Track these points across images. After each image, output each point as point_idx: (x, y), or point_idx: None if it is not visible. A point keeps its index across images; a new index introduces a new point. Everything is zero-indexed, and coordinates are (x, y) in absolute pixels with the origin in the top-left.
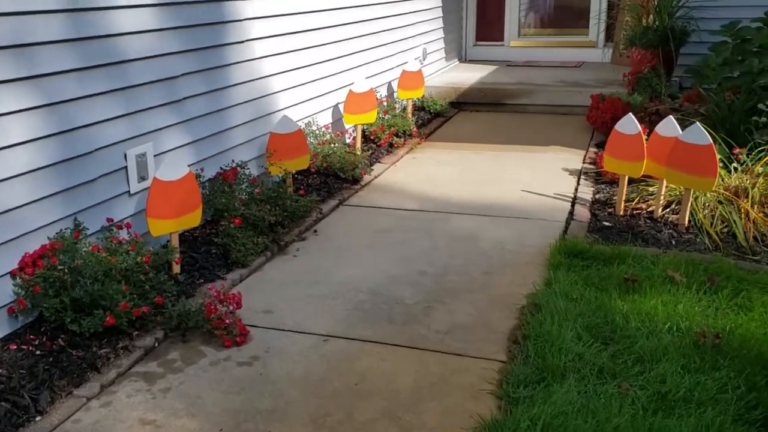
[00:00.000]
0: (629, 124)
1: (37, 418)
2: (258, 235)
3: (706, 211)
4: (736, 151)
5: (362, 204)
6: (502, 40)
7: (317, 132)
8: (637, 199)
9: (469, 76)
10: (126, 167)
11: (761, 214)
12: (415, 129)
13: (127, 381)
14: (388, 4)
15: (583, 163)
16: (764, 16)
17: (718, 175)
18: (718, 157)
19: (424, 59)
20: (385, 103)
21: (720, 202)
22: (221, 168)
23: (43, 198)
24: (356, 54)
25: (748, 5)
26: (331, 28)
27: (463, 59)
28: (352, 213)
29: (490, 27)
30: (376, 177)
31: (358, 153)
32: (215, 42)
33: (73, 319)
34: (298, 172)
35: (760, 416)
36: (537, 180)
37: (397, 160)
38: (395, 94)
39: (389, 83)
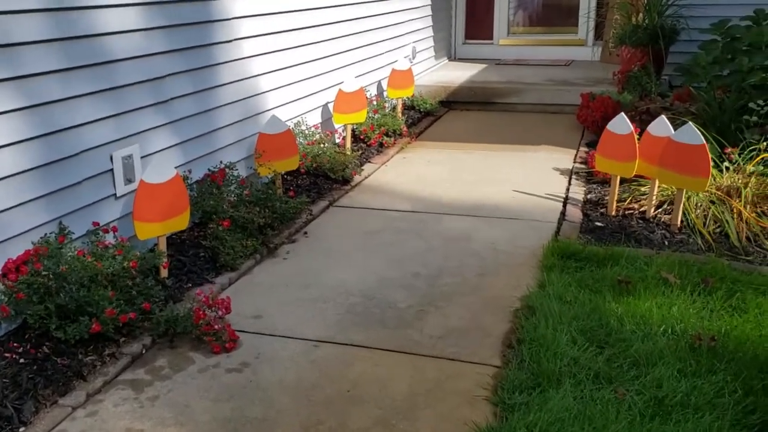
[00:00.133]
0: (621, 124)
1: (21, 429)
2: (247, 237)
3: (699, 211)
4: (728, 150)
5: (353, 205)
6: (491, 38)
7: (307, 132)
8: (629, 199)
9: (458, 74)
10: (112, 169)
11: (753, 214)
12: (405, 128)
13: (114, 389)
14: (378, 3)
15: (574, 162)
16: (753, 15)
17: (710, 175)
18: (710, 156)
19: (413, 58)
20: (374, 103)
21: (712, 202)
22: (209, 169)
23: (27, 202)
24: (346, 53)
25: (738, 3)
26: (321, 26)
27: (453, 58)
28: (342, 214)
29: (479, 25)
30: (366, 177)
31: (348, 153)
32: (203, 41)
33: (58, 326)
34: (288, 173)
35: (758, 420)
36: (528, 180)
37: (388, 160)
38: (385, 93)
39: (379, 82)
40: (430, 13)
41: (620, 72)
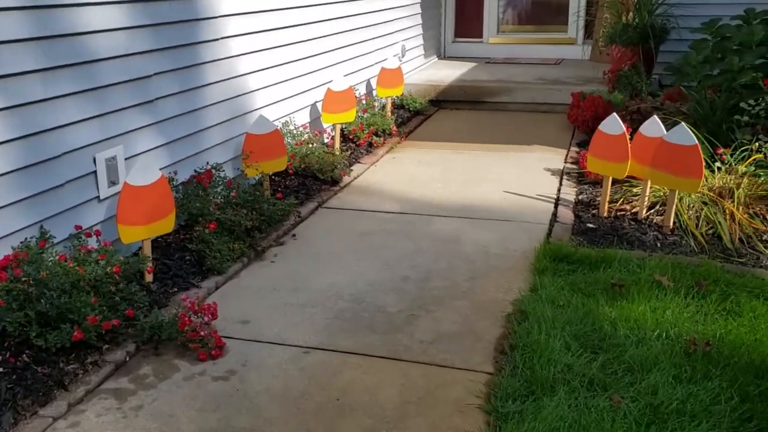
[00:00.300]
0: (613, 124)
1: None
2: (234, 240)
3: (691, 212)
4: (720, 150)
5: (342, 206)
6: (480, 36)
7: (295, 132)
8: (621, 200)
9: (448, 73)
10: (95, 171)
11: (746, 216)
12: (394, 128)
13: (97, 399)
14: (367, 1)
15: (565, 162)
16: (743, 14)
17: (703, 176)
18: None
19: (403, 56)
20: (364, 102)
21: (705, 203)
22: (195, 170)
23: (6, 205)
24: (334, 51)
25: (728, 3)
26: (309, 24)
27: (442, 56)
28: (331, 216)
29: (468, 23)
30: (355, 178)
31: (337, 153)
32: (189, 40)
33: (38, 333)
34: (276, 174)
35: (755, 428)
36: (519, 180)
37: (377, 160)
38: (374, 92)
39: (368, 81)
40: (420, 11)
41: (610, 71)
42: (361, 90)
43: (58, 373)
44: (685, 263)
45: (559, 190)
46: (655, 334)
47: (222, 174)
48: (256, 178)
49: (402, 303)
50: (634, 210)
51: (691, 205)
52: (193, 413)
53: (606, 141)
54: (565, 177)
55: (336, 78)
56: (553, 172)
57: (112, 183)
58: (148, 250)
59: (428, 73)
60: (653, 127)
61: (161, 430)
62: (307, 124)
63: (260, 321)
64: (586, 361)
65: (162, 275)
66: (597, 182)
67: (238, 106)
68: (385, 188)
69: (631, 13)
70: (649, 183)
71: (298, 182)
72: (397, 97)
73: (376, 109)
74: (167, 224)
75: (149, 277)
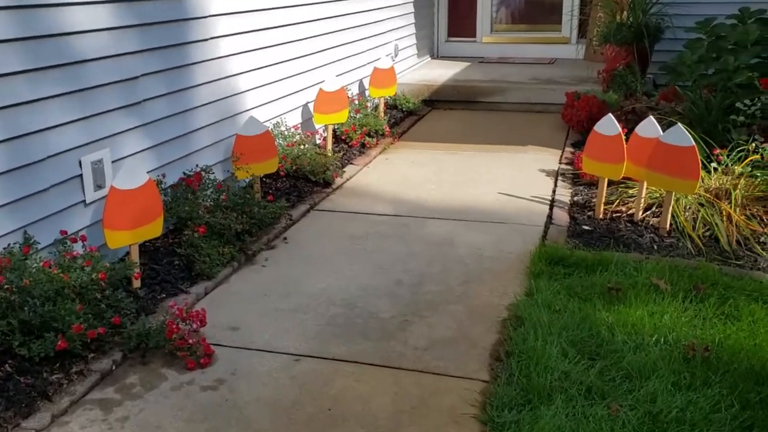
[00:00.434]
0: (609, 125)
1: None
2: (224, 244)
3: (688, 213)
4: (717, 151)
5: (334, 209)
6: (474, 36)
7: (286, 133)
8: (617, 201)
9: (441, 72)
10: (81, 175)
11: (743, 217)
12: (387, 128)
13: (81, 410)
14: (359, 0)
15: (560, 163)
16: (738, 13)
17: (700, 178)
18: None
19: (395, 56)
20: (356, 102)
21: (701, 205)
22: (184, 173)
23: None
24: (326, 51)
25: (722, 2)
26: (301, 24)
27: (435, 56)
28: (323, 218)
29: (462, 23)
30: (348, 179)
31: (329, 154)
32: (178, 40)
33: (21, 342)
34: (267, 176)
35: None
36: (513, 181)
37: (370, 161)
38: (367, 92)
39: (360, 81)
40: (413, 10)
41: (605, 71)
42: (354, 90)
43: (42, 383)
44: (682, 266)
45: (554, 191)
46: (653, 339)
47: (212, 176)
48: (247, 180)
49: (395, 308)
50: (630, 212)
51: (688, 207)
52: (181, 424)
53: (601, 142)
54: (560, 178)
55: (328, 78)
56: (548, 173)
57: (99, 187)
58: (135, 255)
59: (421, 72)
60: (649, 127)
61: None
62: (299, 125)
63: (250, 327)
64: (583, 368)
65: (150, 281)
66: (592, 183)
67: (228, 107)
68: (378, 190)
69: (625, 12)
70: (645, 184)
71: (290, 184)
72: (390, 97)
73: (369, 110)
74: (155, 229)
75: (137, 283)
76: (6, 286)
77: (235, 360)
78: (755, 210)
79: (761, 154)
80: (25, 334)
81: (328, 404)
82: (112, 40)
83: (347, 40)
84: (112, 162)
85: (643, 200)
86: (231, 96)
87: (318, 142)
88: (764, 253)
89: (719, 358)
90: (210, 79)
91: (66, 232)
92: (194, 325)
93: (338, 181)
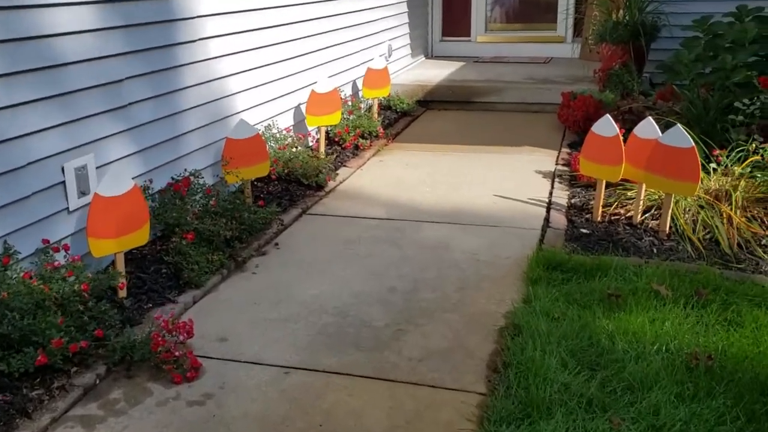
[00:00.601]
0: (606, 126)
1: None
2: (213, 251)
3: (687, 216)
4: (716, 152)
5: (327, 212)
6: (468, 35)
7: (278, 135)
8: (615, 204)
9: (436, 73)
10: (64, 182)
11: (744, 219)
12: (381, 130)
13: (63, 428)
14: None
15: (556, 164)
16: (735, 11)
17: (700, 180)
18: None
19: (389, 56)
20: (349, 103)
21: (701, 207)
22: (173, 178)
23: None
24: (319, 52)
25: None
26: (292, 24)
27: (430, 55)
28: (316, 222)
29: (456, 22)
30: (341, 182)
31: (322, 157)
32: (165, 42)
33: (0, 357)
34: (258, 179)
35: None
36: (509, 183)
37: (363, 164)
38: (360, 93)
39: (354, 82)
40: (407, 9)
41: (601, 70)
42: (347, 91)
43: (21, 399)
44: (683, 270)
45: (551, 193)
46: (655, 347)
47: (201, 181)
48: (237, 184)
49: (389, 316)
50: (628, 214)
51: (688, 209)
52: None
53: (599, 143)
54: (556, 179)
55: (320, 79)
56: (545, 175)
57: (83, 193)
58: (121, 263)
59: (415, 73)
60: (648, 128)
61: None
62: (291, 128)
63: (239, 338)
64: (583, 379)
65: (136, 290)
66: (590, 185)
67: (218, 109)
68: (372, 193)
69: (621, 11)
70: (643, 186)
71: (282, 188)
72: (384, 98)
73: (363, 111)
74: (141, 236)
75: (123, 293)
76: None
77: (222, 373)
78: (756, 212)
79: (762, 155)
80: (4, 348)
81: (319, 419)
82: (96, 42)
83: (340, 40)
84: (97, 168)
85: (641, 202)
86: (221, 98)
87: (311, 144)
88: (766, 256)
89: (723, 367)
90: (199, 81)
91: (48, 241)
92: (181, 337)
93: (331, 184)
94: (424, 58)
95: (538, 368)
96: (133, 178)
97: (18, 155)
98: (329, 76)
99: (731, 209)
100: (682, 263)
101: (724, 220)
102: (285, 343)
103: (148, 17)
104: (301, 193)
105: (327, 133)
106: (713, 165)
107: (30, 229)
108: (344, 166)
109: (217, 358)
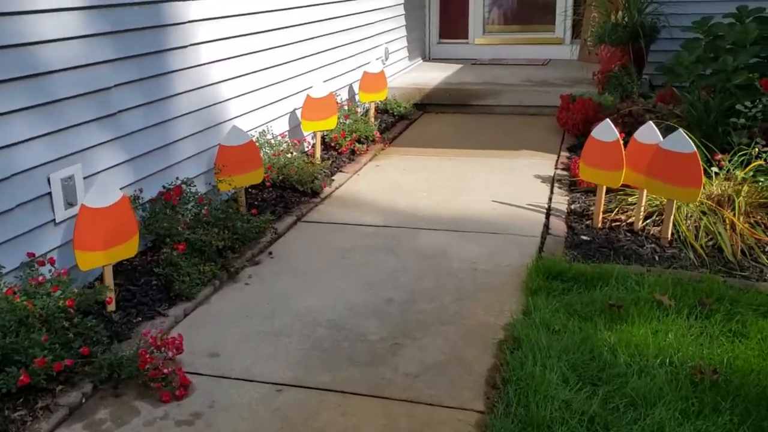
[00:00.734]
0: (606, 131)
1: None
2: (205, 261)
3: (690, 222)
4: (718, 156)
5: (322, 220)
6: (466, 37)
7: (273, 142)
8: (616, 210)
9: (433, 75)
10: (50, 193)
11: (747, 225)
12: (378, 134)
13: None
14: (348, 2)
15: (556, 168)
16: (736, 12)
17: (702, 186)
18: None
19: (386, 59)
20: (346, 107)
21: (704, 213)
22: (164, 187)
23: None
24: (314, 56)
25: (719, 0)
26: (286, 28)
27: (427, 58)
28: (311, 230)
29: (454, 24)
30: (337, 188)
31: (318, 162)
32: (155, 48)
33: None
34: (253, 187)
35: None
36: (508, 188)
37: (360, 169)
38: (357, 97)
39: (350, 86)
40: (403, 12)
41: (600, 72)
42: (343, 95)
43: (3, 421)
44: (685, 279)
45: (550, 198)
46: (658, 360)
47: (193, 189)
48: (230, 192)
49: (384, 329)
50: (629, 220)
51: (690, 215)
52: None
53: (599, 148)
54: (556, 184)
55: (316, 84)
56: (544, 179)
57: (70, 204)
58: (109, 276)
59: (413, 75)
60: (649, 133)
61: None
62: (286, 133)
63: (231, 353)
64: (585, 395)
65: (126, 303)
66: (590, 190)
67: (210, 116)
68: (368, 199)
69: (620, 12)
70: (645, 192)
71: (276, 195)
72: (381, 101)
73: (359, 115)
74: (130, 248)
75: (111, 306)
76: None
77: (213, 391)
78: (759, 217)
79: (765, 159)
80: None
81: None
82: (83, 49)
83: (335, 44)
84: (85, 178)
85: (643, 208)
86: (213, 105)
87: (306, 149)
88: None
89: (729, 381)
90: (190, 87)
91: (34, 254)
92: (170, 353)
93: (327, 190)
94: (421, 61)
95: (539, 384)
96: (122, 188)
97: (2, 166)
98: (325, 81)
99: (734, 215)
100: (685, 271)
101: (727, 227)
102: (278, 359)
103: (138, 23)
104: (296, 200)
105: (323, 138)
106: (715, 169)
107: (14, 242)
108: (340, 171)
109: (208, 375)
